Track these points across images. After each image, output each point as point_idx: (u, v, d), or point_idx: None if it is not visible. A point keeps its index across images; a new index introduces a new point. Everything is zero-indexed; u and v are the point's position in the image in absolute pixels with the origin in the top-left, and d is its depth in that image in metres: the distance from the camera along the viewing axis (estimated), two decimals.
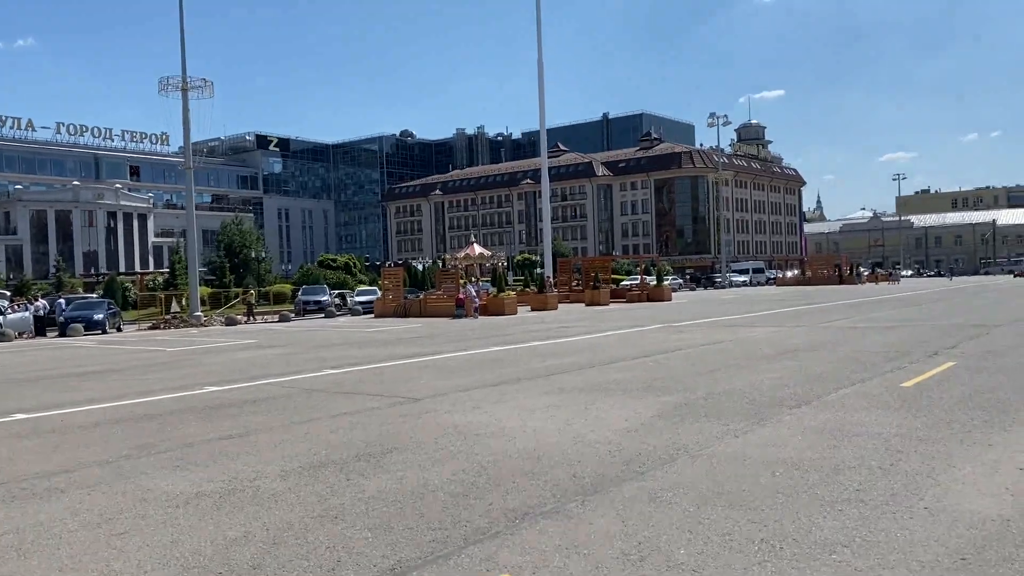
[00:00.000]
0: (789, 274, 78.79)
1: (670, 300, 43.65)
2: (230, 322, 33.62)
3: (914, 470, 5.74)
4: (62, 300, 33.46)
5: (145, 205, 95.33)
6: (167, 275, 51.38)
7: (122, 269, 77.44)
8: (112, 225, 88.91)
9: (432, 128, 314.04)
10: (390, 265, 69.54)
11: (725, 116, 77.15)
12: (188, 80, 33.33)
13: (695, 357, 13.83)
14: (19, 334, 29.02)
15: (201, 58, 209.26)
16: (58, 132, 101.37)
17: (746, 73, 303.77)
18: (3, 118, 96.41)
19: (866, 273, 77.80)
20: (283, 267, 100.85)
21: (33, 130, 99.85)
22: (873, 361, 12.31)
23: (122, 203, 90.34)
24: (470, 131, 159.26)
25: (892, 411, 8.05)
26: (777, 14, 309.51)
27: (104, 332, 29.57)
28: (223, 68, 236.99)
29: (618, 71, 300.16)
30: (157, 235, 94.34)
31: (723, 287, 73.44)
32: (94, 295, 40.08)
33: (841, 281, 68.79)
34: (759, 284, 78.64)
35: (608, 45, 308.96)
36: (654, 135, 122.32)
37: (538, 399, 9.64)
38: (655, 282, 46.96)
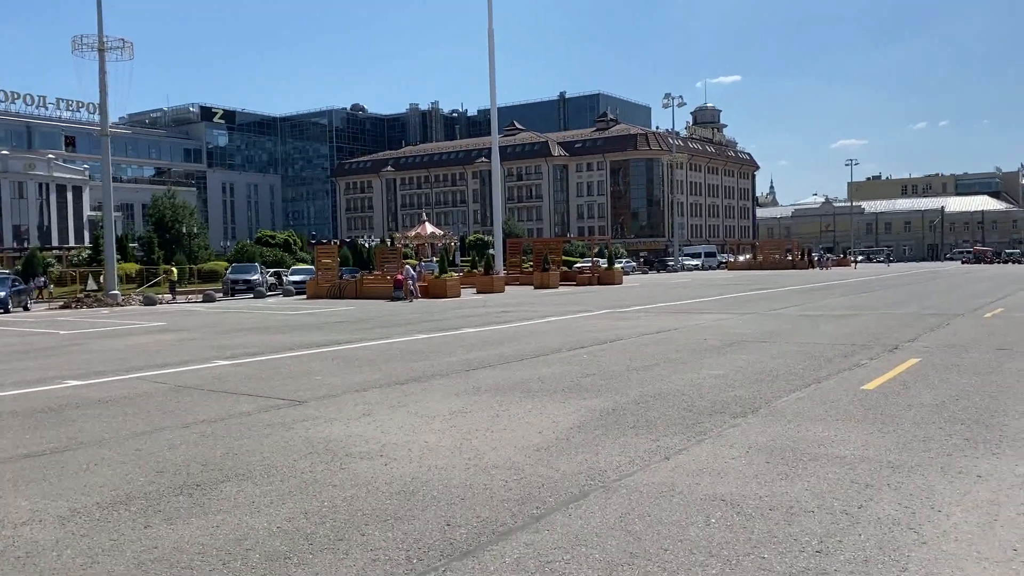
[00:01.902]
0: (741, 258, 78.53)
1: (621, 284, 42.58)
2: (148, 302, 31.34)
3: (889, 517, 4.39)
4: None
5: (81, 177, 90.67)
6: (91, 250, 48.50)
7: (55, 244, 73.62)
8: (45, 197, 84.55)
9: (384, 103, 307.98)
10: (336, 243, 67.26)
11: (680, 97, 75.79)
12: (105, 39, 30.72)
13: (634, 349, 12.47)
14: None
15: (146, 24, 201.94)
16: None
17: (703, 58, 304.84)
18: None
19: (816, 258, 78.01)
20: (224, 244, 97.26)
21: None
22: (828, 356, 11.09)
23: (56, 174, 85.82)
24: (424, 107, 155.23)
25: (855, 423, 6.74)
26: (735, 0, 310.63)
27: (6, 311, 27.18)
28: (168, 36, 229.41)
29: (576, 51, 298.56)
30: (94, 208, 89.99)
31: (675, 270, 72.84)
32: (8, 272, 37.30)
33: (810, 265, 68.73)
34: (711, 268, 78.25)
35: (566, 24, 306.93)
36: (610, 116, 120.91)
37: (444, 402, 8.17)
38: (607, 265, 45.80)
